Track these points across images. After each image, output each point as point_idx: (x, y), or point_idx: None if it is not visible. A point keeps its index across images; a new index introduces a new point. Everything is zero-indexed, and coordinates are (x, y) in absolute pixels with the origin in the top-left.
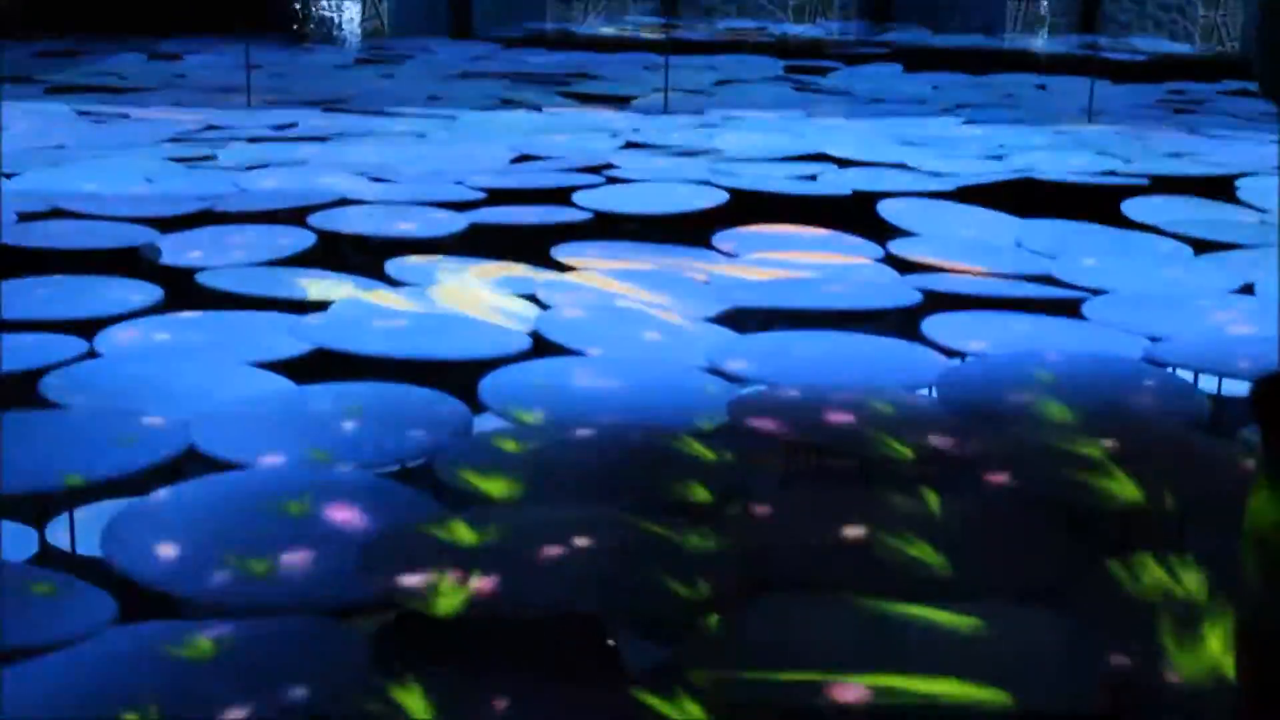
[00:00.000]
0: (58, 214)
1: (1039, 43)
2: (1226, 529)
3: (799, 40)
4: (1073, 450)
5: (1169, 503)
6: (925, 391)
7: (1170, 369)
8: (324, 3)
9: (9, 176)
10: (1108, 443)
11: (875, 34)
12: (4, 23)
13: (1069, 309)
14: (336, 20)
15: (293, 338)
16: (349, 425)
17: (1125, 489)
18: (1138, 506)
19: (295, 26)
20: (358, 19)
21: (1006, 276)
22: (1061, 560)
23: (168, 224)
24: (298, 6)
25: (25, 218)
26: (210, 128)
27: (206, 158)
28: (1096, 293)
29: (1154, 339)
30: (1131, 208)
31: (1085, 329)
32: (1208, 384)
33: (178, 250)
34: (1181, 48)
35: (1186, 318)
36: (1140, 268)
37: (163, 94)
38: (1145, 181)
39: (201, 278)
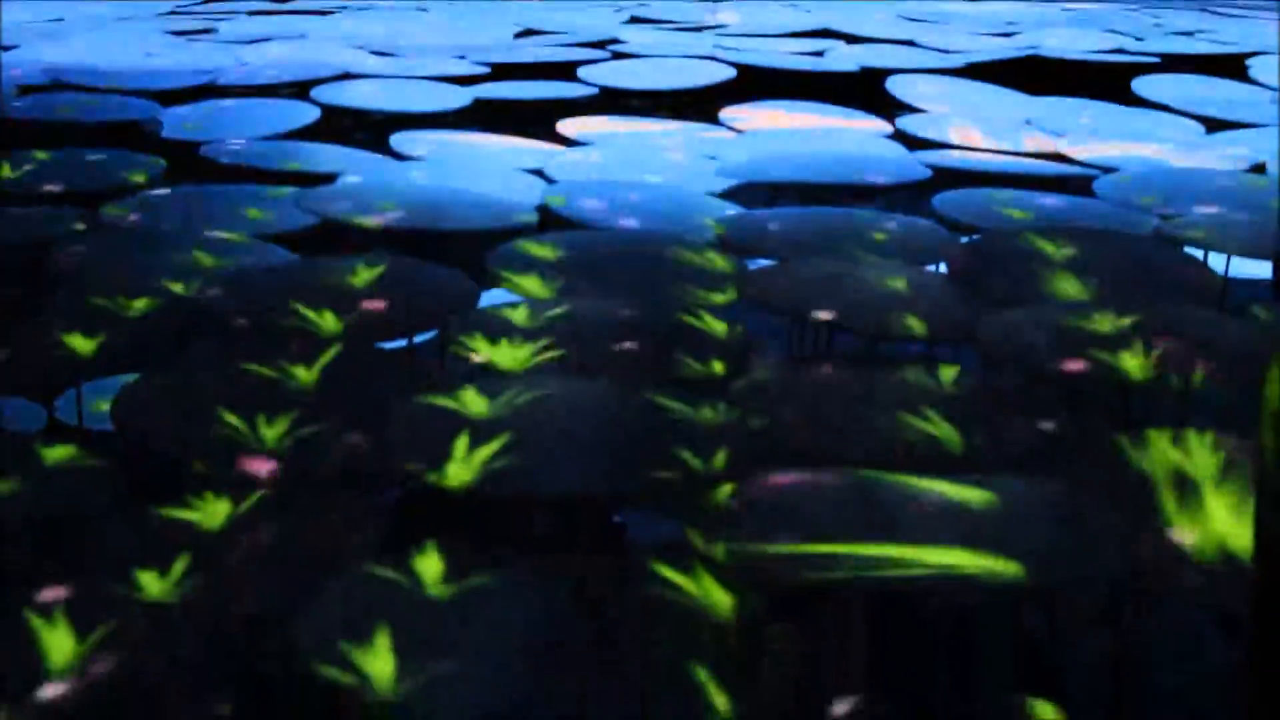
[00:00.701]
0: (58, 87)
1: None
2: (1242, 405)
3: None
4: (1084, 325)
5: (1182, 379)
6: (933, 267)
7: (1181, 246)
8: None
9: (7, 49)
10: (1120, 318)
11: None
12: None
13: (1079, 186)
14: None
15: (298, 209)
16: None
17: (1137, 364)
18: (1150, 381)
19: None
20: None
21: (1015, 154)
22: (1072, 435)
23: (168, 97)
24: None
25: (25, 90)
26: (208, 0)
27: (206, 31)
28: (1106, 170)
29: (1164, 216)
30: (1142, 85)
31: (1095, 206)
32: (1218, 262)
33: (178, 124)
34: None
35: (1198, 196)
36: (1151, 146)
37: None
38: (1156, 60)
39: (204, 150)
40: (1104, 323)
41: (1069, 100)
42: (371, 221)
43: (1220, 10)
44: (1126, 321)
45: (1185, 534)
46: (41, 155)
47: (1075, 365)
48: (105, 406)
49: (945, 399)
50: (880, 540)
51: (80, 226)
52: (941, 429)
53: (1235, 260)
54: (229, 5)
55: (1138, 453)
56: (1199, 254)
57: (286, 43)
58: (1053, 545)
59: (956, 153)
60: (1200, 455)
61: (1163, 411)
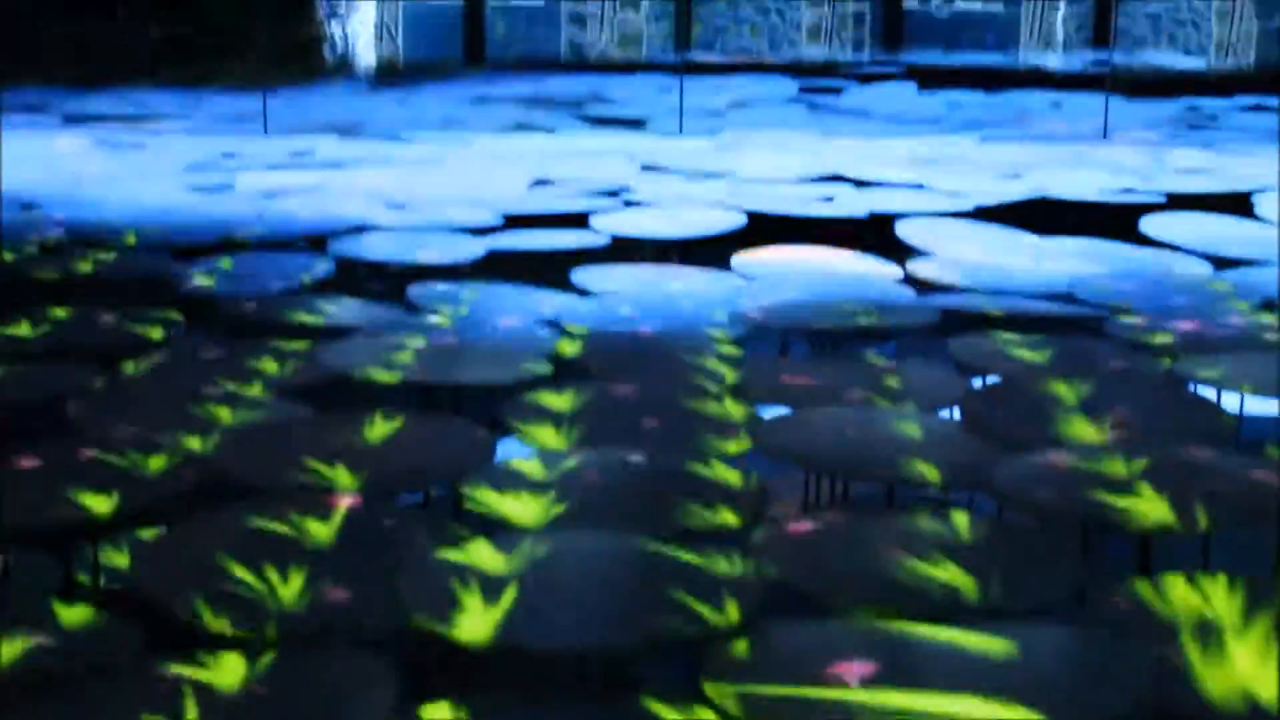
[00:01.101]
0: (77, 242)
1: (1053, 60)
2: (1261, 548)
3: (813, 60)
4: (1100, 470)
5: (1198, 523)
6: (947, 412)
7: (1194, 386)
8: (338, 31)
9: (30, 208)
10: (1134, 461)
11: (889, 53)
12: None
13: (1091, 326)
14: (350, 47)
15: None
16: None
17: (1154, 509)
18: (1166, 525)
19: (310, 54)
20: (372, 45)
21: (1026, 294)
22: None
23: (187, 252)
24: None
25: (45, 247)
26: (227, 155)
27: (224, 185)
28: (1117, 310)
29: (1176, 357)
30: (1150, 225)
31: (1107, 346)
32: (1232, 401)
33: (197, 278)
34: (1196, 62)
35: (1210, 335)
36: (1160, 285)
37: (179, 122)
38: (1163, 198)
39: (222, 305)
40: (1118, 466)
41: (1078, 240)
42: (387, 375)
43: (1226, 146)
44: (1140, 465)
45: (1209, 682)
46: (60, 313)
47: (1090, 510)
48: (123, 562)
49: (961, 546)
50: (897, 689)
51: (98, 384)
52: (958, 576)
53: (1248, 398)
54: (247, 159)
55: (1157, 598)
56: (1212, 394)
57: (303, 195)
58: (1073, 695)
59: (967, 295)
60: (1220, 600)
61: (1180, 555)
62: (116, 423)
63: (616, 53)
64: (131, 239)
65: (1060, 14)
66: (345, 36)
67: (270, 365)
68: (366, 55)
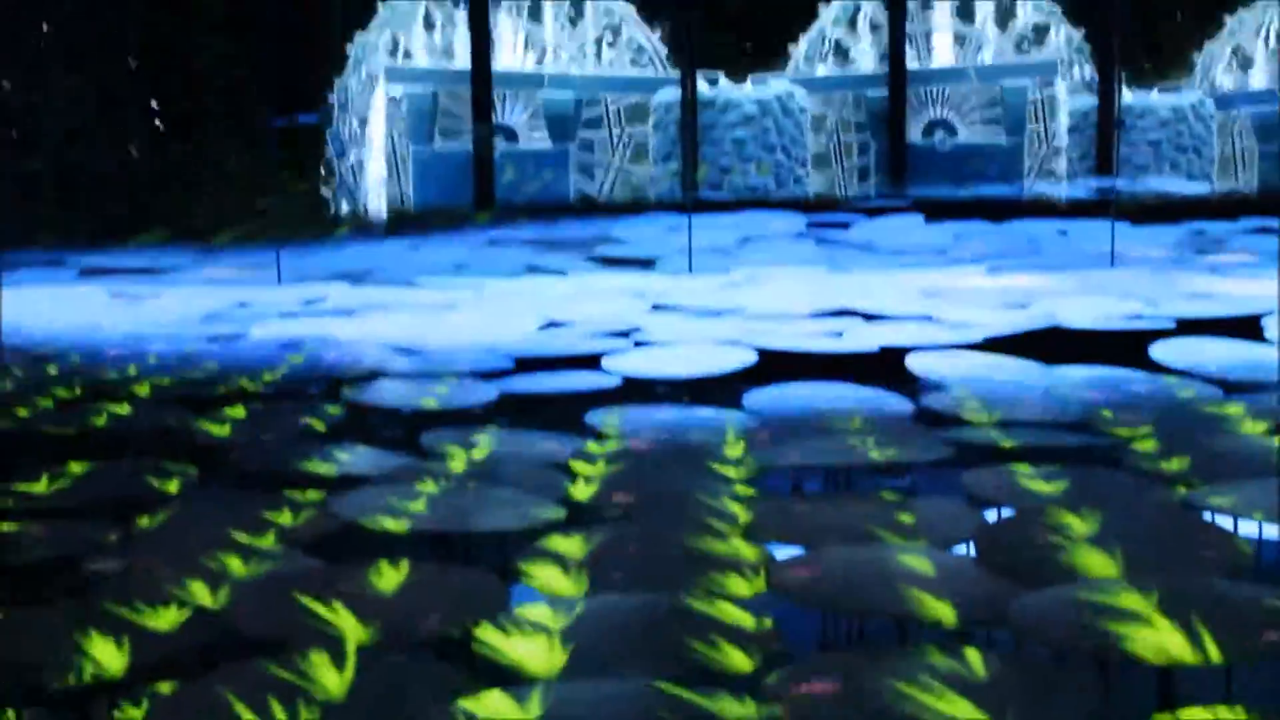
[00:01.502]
0: (94, 396)
1: (1058, 189)
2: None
3: (820, 194)
4: (1112, 603)
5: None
6: (961, 547)
7: (1211, 516)
8: (349, 179)
9: (46, 362)
10: (1148, 594)
11: (894, 186)
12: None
13: (1103, 456)
14: (360, 194)
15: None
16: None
17: (1169, 641)
18: (1182, 659)
19: (321, 203)
20: (382, 192)
21: (1037, 425)
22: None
23: (202, 403)
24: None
25: (62, 403)
26: (241, 305)
27: (238, 335)
28: (1130, 439)
29: (1191, 485)
30: (1160, 351)
31: (1120, 476)
32: (1249, 529)
33: (211, 428)
34: (1199, 187)
35: (1225, 464)
36: (1172, 413)
37: (194, 273)
38: (1171, 324)
39: (235, 455)
40: (1132, 600)
41: (1088, 369)
42: (398, 524)
43: (1233, 269)
44: (1154, 597)
45: None
46: (77, 468)
47: (1105, 643)
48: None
49: (976, 685)
50: None
51: (113, 538)
52: (974, 716)
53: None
54: (260, 308)
55: None
56: (1226, 522)
57: (316, 344)
58: None
59: (978, 429)
60: None
61: (1198, 689)
62: (131, 578)
63: (624, 194)
64: (146, 390)
65: (1063, 144)
66: (356, 183)
67: (283, 516)
68: (377, 202)
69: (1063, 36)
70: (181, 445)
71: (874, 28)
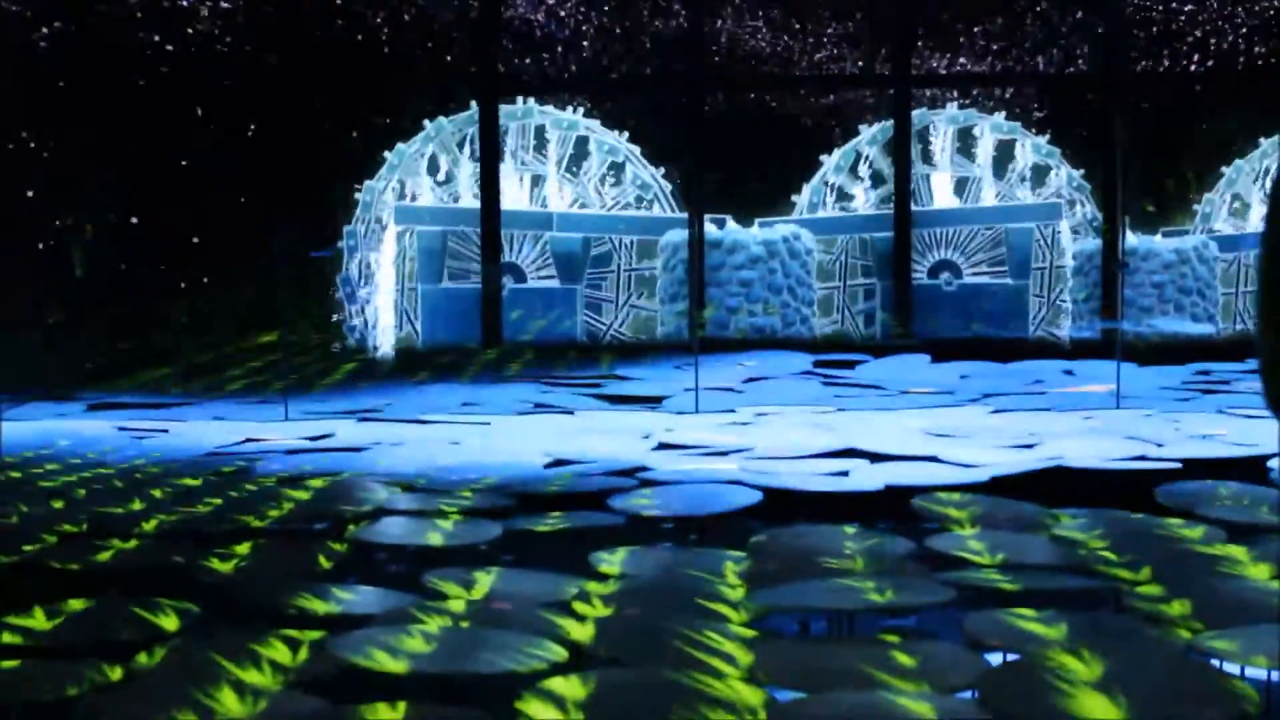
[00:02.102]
0: (99, 533)
1: (1063, 330)
2: None
3: (826, 334)
4: None
5: None
6: (964, 693)
7: (1218, 663)
8: (357, 317)
9: (53, 497)
10: None
11: (900, 326)
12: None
13: (1107, 600)
14: (369, 332)
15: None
16: None
17: None
18: None
19: (328, 340)
20: (391, 330)
21: (1041, 568)
22: None
23: (204, 540)
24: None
25: (64, 537)
26: (248, 440)
27: (244, 471)
28: (1134, 583)
29: (1195, 629)
30: (1165, 493)
31: (1125, 620)
32: (1257, 673)
33: (213, 567)
34: (1204, 329)
35: (1230, 608)
36: (1176, 556)
37: (202, 408)
38: (1177, 465)
39: (238, 596)
40: None
41: (1093, 511)
42: (399, 664)
43: (1237, 411)
44: None
45: None
46: (76, 604)
47: None
48: None
49: None
50: None
51: (114, 677)
52: None
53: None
54: (267, 445)
55: None
56: (1234, 667)
57: (321, 479)
58: None
59: (981, 571)
60: None
61: None
62: (128, 718)
63: (632, 333)
64: (151, 526)
65: (1068, 284)
66: (364, 322)
67: (283, 655)
68: (385, 339)
69: (1063, 176)
70: (184, 582)
71: (874, 174)
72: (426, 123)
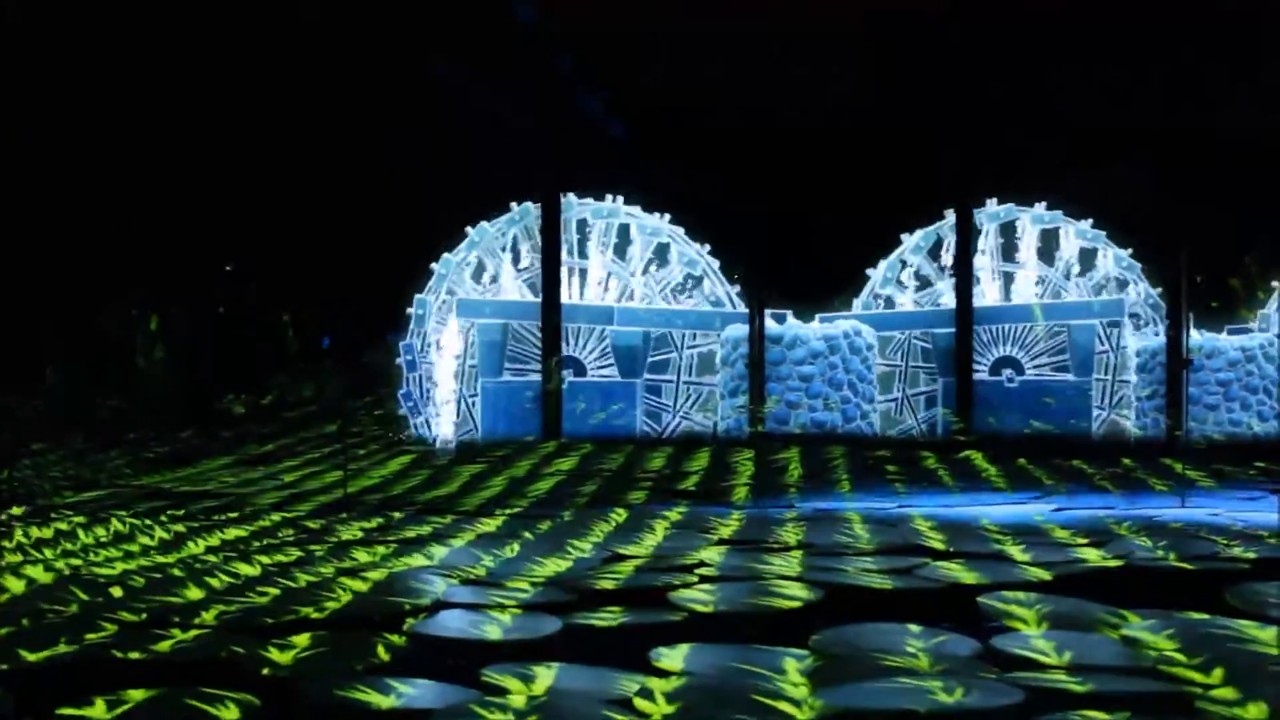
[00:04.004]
0: (159, 622)
1: (1127, 425)
2: None
3: (887, 433)
4: None
5: None
6: None
7: None
8: (418, 407)
9: (112, 585)
10: None
11: (962, 422)
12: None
13: (1179, 704)
14: (431, 429)
15: None
16: None
17: None
18: None
19: (391, 432)
20: (452, 426)
21: (1111, 670)
22: None
23: (263, 631)
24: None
25: (125, 625)
26: (307, 532)
27: (301, 561)
28: (1206, 686)
29: None
30: (1235, 594)
31: None
32: None
33: (274, 659)
34: (1270, 427)
35: None
36: (1248, 658)
37: (255, 499)
38: (1245, 566)
39: (299, 688)
40: None
41: (1162, 611)
42: None
43: None
44: None
45: None
46: (137, 695)
47: None
48: None
49: None
50: None
51: None
52: None
53: None
54: (323, 531)
55: None
56: None
57: (379, 572)
58: None
59: (1049, 673)
60: None
61: None
62: None
63: (691, 428)
64: (211, 617)
65: (1131, 382)
66: (426, 420)
67: None
68: (445, 431)
69: (1110, 258)
70: (244, 674)
71: (920, 279)
72: (469, 229)
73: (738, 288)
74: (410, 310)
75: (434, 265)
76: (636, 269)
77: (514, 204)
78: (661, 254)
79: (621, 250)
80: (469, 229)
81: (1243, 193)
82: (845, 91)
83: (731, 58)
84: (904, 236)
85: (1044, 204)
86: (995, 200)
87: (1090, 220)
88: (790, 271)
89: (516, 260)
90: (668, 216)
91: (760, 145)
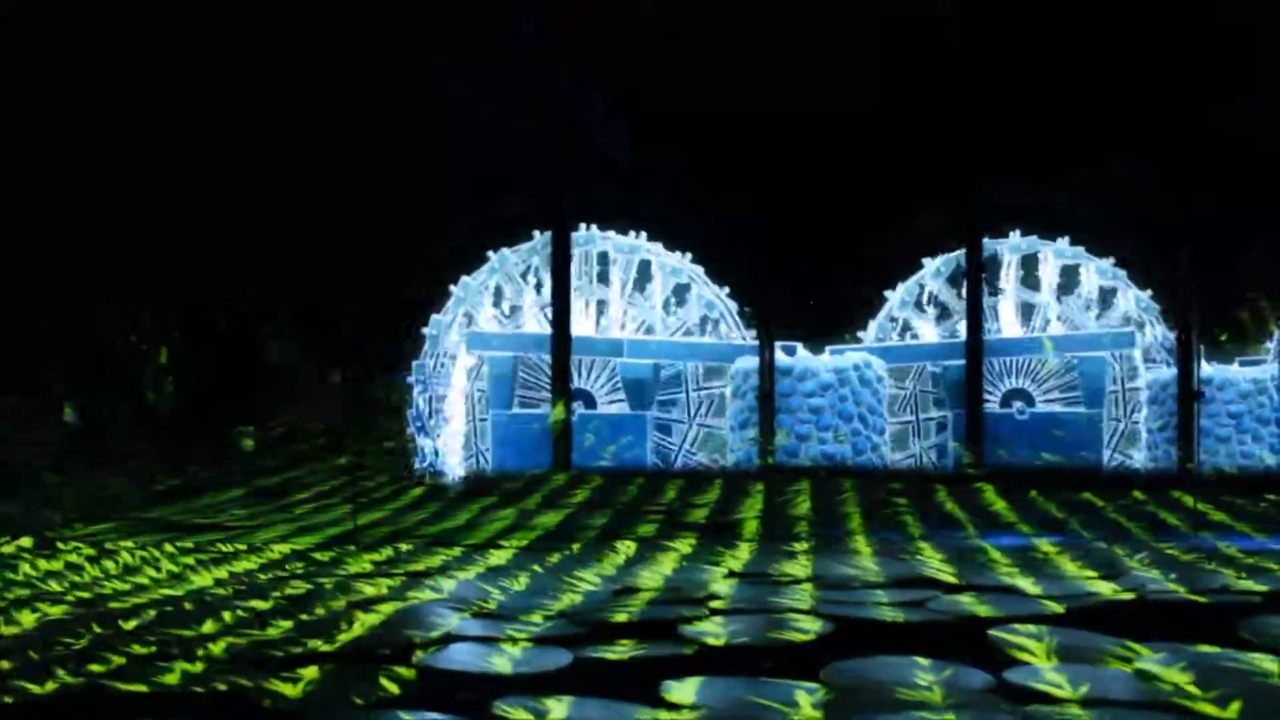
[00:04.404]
0: (167, 654)
1: (1138, 459)
2: None
3: (897, 465)
4: None
5: None
6: None
7: None
8: (427, 445)
9: (121, 617)
10: None
11: (972, 455)
12: None
13: None
14: (439, 460)
15: None
16: None
17: None
18: None
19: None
20: (460, 457)
21: (1123, 703)
22: None
23: (268, 664)
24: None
25: (135, 660)
26: (314, 564)
27: (311, 594)
28: (1218, 719)
29: None
30: (1248, 627)
31: None
32: None
33: (279, 692)
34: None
35: None
36: (1261, 691)
37: (265, 531)
38: (1259, 599)
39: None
40: None
41: (1173, 645)
42: None
43: None
44: None
45: None
46: None
47: None
48: None
49: None
50: None
51: None
52: None
53: None
54: (334, 568)
55: None
56: None
57: (388, 605)
58: None
59: (1061, 705)
60: None
61: None
62: None
63: (702, 458)
64: (220, 649)
65: (1142, 414)
66: (434, 450)
67: None
68: (455, 465)
69: (1130, 298)
70: (249, 707)
71: (939, 306)
72: (490, 254)
73: (748, 323)
74: (425, 330)
75: (452, 287)
76: (656, 304)
77: (537, 232)
78: (680, 294)
79: (641, 285)
80: (489, 253)
81: (1242, 192)
82: (857, 111)
83: (749, 83)
84: (925, 261)
85: (1065, 239)
86: (1018, 232)
87: (1106, 249)
88: (801, 302)
89: (539, 289)
90: (689, 255)
91: (769, 172)
